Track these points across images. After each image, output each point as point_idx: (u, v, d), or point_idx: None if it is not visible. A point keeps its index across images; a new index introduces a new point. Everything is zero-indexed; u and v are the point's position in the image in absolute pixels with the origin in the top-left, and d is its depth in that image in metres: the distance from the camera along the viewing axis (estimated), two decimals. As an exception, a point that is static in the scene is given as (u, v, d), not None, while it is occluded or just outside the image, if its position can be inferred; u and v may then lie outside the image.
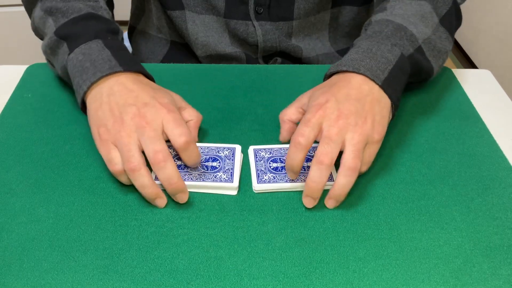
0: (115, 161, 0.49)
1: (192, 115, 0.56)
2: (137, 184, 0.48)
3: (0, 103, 0.63)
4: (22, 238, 0.46)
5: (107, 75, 0.53)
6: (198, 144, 0.55)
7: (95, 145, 0.56)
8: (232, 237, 0.47)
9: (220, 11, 0.74)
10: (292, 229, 0.48)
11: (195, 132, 0.56)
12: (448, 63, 2.01)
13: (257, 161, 0.54)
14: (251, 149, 0.55)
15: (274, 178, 0.52)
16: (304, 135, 0.48)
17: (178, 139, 0.49)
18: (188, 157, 0.50)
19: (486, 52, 1.88)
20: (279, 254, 0.45)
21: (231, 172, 0.52)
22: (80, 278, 0.43)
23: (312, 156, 0.50)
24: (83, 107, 0.56)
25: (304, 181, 0.51)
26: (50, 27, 0.60)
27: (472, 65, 1.97)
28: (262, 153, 0.55)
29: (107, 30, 0.59)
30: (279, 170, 0.53)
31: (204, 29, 0.75)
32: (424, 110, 0.63)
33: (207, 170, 0.52)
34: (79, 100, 0.55)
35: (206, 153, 0.54)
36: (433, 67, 0.61)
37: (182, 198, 0.49)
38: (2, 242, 0.46)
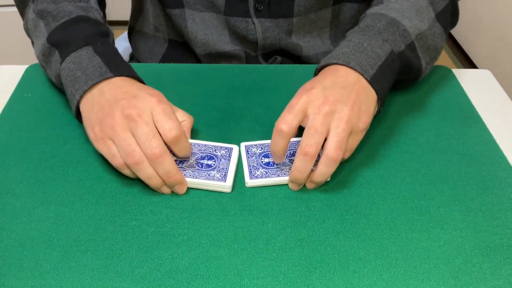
0: (117, 155, 0.49)
1: (184, 116, 0.56)
2: (142, 176, 0.49)
3: (0, 103, 0.63)
4: (22, 238, 0.46)
5: (98, 82, 0.53)
6: (196, 141, 0.55)
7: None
8: (232, 237, 0.47)
9: (220, 8, 0.74)
10: (292, 229, 0.48)
11: (188, 135, 0.56)
12: (448, 63, 2.01)
13: (248, 157, 0.54)
14: (242, 146, 0.55)
15: (267, 173, 0.52)
16: (287, 122, 0.49)
17: (169, 133, 0.49)
18: (179, 150, 0.51)
19: (486, 52, 1.88)
20: (279, 254, 0.45)
21: (225, 172, 0.52)
22: (80, 278, 0.43)
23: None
24: (78, 116, 0.56)
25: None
26: (42, 31, 0.60)
27: (472, 65, 1.97)
28: (254, 149, 0.55)
29: (97, 34, 0.59)
30: (271, 165, 0.53)
31: (204, 27, 0.75)
32: (424, 110, 0.63)
33: (201, 167, 0.52)
34: (73, 109, 0.55)
35: (202, 151, 0.54)
36: (421, 64, 0.61)
37: (181, 189, 0.50)
38: (2, 242, 0.46)
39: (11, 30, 1.85)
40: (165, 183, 0.50)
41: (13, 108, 0.62)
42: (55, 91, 0.65)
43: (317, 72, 0.58)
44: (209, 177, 0.51)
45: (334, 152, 0.48)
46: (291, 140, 0.53)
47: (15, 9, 1.83)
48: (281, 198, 0.51)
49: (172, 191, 0.51)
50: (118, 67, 0.55)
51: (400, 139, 0.58)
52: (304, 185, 0.52)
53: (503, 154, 0.57)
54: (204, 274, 0.44)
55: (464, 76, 0.71)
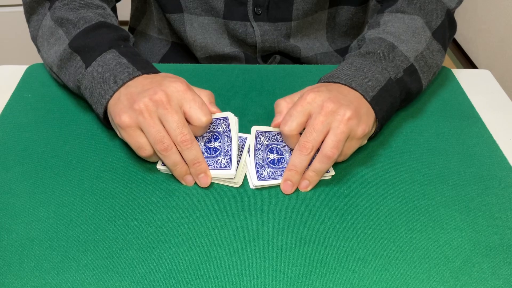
0: (144, 147, 0.50)
1: (206, 95, 0.56)
2: (168, 162, 0.50)
3: (0, 103, 0.63)
4: (22, 238, 0.46)
5: (127, 81, 0.54)
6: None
7: (94, 145, 0.56)
8: (232, 237, 0.47)
9: (220, 12, 0.74)
10: (292, 229, 0.48)
11: (216, 109, 0.55)
12: (448, 63, 2.01)
13: (256, 149, 0.54)
14: (253, 131, 0.55)
15: (273, 174, 0.52)
16: (287, 124, 0.51)
17: (204, 118, 0.50)
18: (201, 132, 0.52)
19: (486, 52, 1.88)
20: (279, 254, 0.45)
21: (230, 155, 0.52)
22: (80, 278, 0.43)
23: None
24: (104, 118, 0.55)
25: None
26: (61, 38, 0.60)
27: (472, 65, 1.97)
28: (262, 139, 0.55)
29: (118, 38, 0.59)
30: (276, 163, 0.53)
31: (202, 31, 0.76)
32: (424, 110, 0.63)
33: (210, 154, 0.53)
34: (100, 110, 0.54)
35: (209, 130, 0.54)
36: (422, 86, 0.62)
37: (205, 180, 0.51)
38: (2, 242, 0.46)
39: (11, 30, 1.85)
40: (190, 170, 0.51)
41: (13, 108, 0.62)
42: (55, 91, 0.65)
43: None
44: (216, 165, 0.52)
45: (330, 150, 0.49)
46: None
47: (15, 9, 1.83)
48: (281, 198, 0.51)
49: (195, 183, 0.52)
50: (144, 66, 0.56)
51: (400, 139, 0.58)
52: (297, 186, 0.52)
53: (503, 154, 0.57)
54: (204, 274, 0.44)
55: (464, 76, 0.71)
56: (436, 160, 0.56)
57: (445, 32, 0.65)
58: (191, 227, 0.48)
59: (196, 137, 0.53)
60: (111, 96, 0.53)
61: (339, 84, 0.55)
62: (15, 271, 0.43)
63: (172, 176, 0.53)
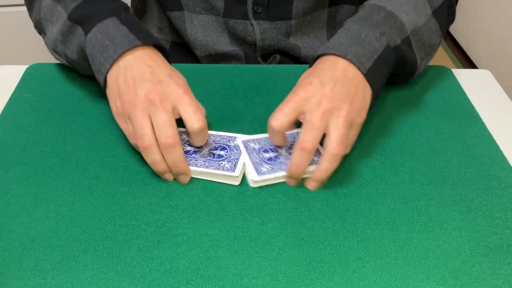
0: (133, 136, 0.51)
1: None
2: (148, 160, 0.51)
3: (0, 103, 0.63)
4: (22, 238, 0.46)
5: (127, 50, 0.54)
6: (210, 132, 0.56)
7: (94, 145, 0.56)
8: (232, 237, 0.47)
9: (219, 10, 0.74)
10: (292, 229, 0.48)
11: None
12: (448, 63, 2.00)
13: (249, 153, 0.54)
14: (239, 141, 0.55)
15: (272, 169, 0.52)
16: (278, 120, 0.50)
17: (196, 124, 0.50)
18: (197, 141, 0.52)
19: (486, 52, 1.88)
20: (279, 254, 0.45)
21: (235, 163, 0.52)
22: (80, 278, 0.43)
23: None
24: (105, 86, 0.56)
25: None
26: (61, 14, 0.60)
27: (472, 65, 1.97)
28: (252, 145, 0.55)
29: (119, 7, 0.59)
30: (273, 160, 0.53)
31: (203, 29, 0.76)
32: (424, 110, 0.63)
33: (213, 158, 0.53)
34: (101, 79, 0.55)
35: (217, 142, 0.55)
36: (417, 59, 0.61)
37: (185, 180, 0.52)
38: (2, 242, 0.46)
39: (11, 30, 1.85)
40: (171, 171, 0.51)
41: (13, 108, 0.62)
42: (55, 91, 0.65)
43: (313, 61, 0.58)
44: (219, 167, 0.52)
45: (337, 148, 0.49)
46: (293, 131, 0.55)
47: (15, 9, 1.83)
48: (281, 198, 0.51)
49: (174, 179, 0.52)
50: (145, 36, 0.56)
51: (400, 139, 0.58)
52: (305, 185, 0.52)
53: (503, 154, 0.57)
54: (204, 274, 0.44)
55: (464, 76, 0.71)
56: (436, 160, 0.56)
57: (444, 15, 0.64)
58: (191, 227, 0.48)
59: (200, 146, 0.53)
60: (110, 66, 0.54)
61: (333, 57, 0.54)
62: (15, 271, 0.43)
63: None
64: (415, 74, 0.64)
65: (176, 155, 0.49)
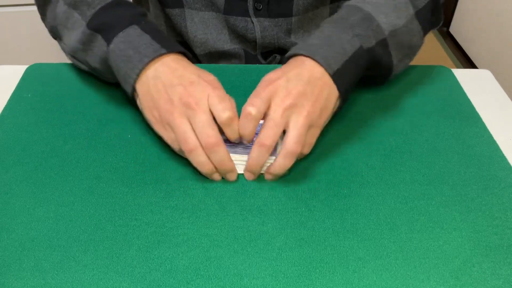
0: (175, 142, 0.52)
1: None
2: (194, 163, 0.51)
3: (0, 103, 0.63)
4: (22, 238, 0.46)
5: (153, 59, 0.54)
6: None
7: (94, 145, 0.56)
8: (232, 237, 0.47)
9: (220, 7, 0.74)
10: (292, 229, 0.48)
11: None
12: (448, 63, 2.00)
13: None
14: None
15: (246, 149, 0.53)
16: (256, 106, 0.50)
17: (222, 114, 0.50)
18: (231, 133, 0.52)
19: (486, 52, 1.88)
20: (279, 254, 0.45)
21: (275, 147, 0.53)
22: (80, 278, 0.43)
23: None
24: (133, 96, 0.56)
25: (246, 153, 0.53)
26: (78, 21, 0.59)
27: (472, 65, 1.97)
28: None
29: (137, 14, 0.59)
30: (228, 142, 0.54)
31: (203, 27, 0.76)
32: (424, 110, 0.63)
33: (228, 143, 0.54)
34: (129, 90, 0.55)
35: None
36: (392, 62, 0.61)
37: (232, 177, 0.52)
38: (2, 242, 0.46)
39: (11, 30, 1.85)
40: (217, 170, 0.51)
41: (13, 108, 0.62)
42: (55, 91, 0.65)
43: (286, 60, 0.58)
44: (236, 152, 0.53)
45: (293, 145, 0.50)
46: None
47: (15, 9, 1.83)
48: (281, 198, 0.51)
49: (222, 178, 0.53)
50: (169, 43, 0.56)
51: (400, 139, 0.58)
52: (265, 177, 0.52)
53: (503, 154, 0.57)
54: (204, 274, 0.44)
55: (464, 76, 0.71)
56: (436, 160, 0.56)
57: (427, 16, 0.64)
58: (191, 227, 0.48)
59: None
60: (137, 75, 0.54)
61: (302, 57, 0.55)
62: (15, 271, 0.43)
63: (172, 176, 0.53)
64: (391, 76, 0.64)
65: (220, 154, 0.50)
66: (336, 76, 0.54)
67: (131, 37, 0.55)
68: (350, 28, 0.57)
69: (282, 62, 0.79)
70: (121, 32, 0.56)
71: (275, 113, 0.50)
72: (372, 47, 0.57)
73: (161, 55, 0.54)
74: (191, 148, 0.50)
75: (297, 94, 0.51)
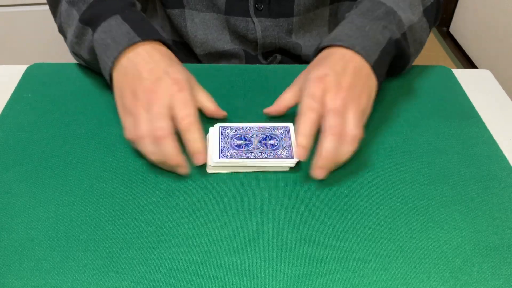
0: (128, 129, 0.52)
1: (207, 101, 0.57)
2: (142, 151, 0.52)
3: (0, 103, 0.63)
4: (22, 238, 0.46)
5: (126, 47, 0.55)
6: (254, 124, 0.56)
7: (94, 145, 0.56)
8: (232, 237, 0.47)
9: (221, 8, 0.74)
10: (292, 229, 0.48)
11: (218, 113, 0.58)
12: (448, 63, 2.00)
13: (221, 138, 0.54)
14: (217, 127, 0.55)
15: (236, 155, 0.52)
16: (314, 110, 0.50)
17: (181, 121, 0.50)
18: (189, 140, 0.51)
19: (486, 52, 1.88)
20: (279, 254, 0.45)
21: (290, 148, 0.53)
22: (80, 278, 0.43)
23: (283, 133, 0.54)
24: (112, 84, 0.57)
25: (264, 157, 0.52)
26: (75, 18, 0.61)
27: (472, 65, 1.97)
28: (228, 131, 0.55)
29: (124, 5, 0.60)
30: (241, 147, 0.53)
31: (203, 27, 0.76)
32: (424, 110, 0.63)
33: (267, 148, 0.53)
34: (107, 77, 0.57)
35: (262, 132, 0.55)
36: (410, 54, 0.63)
37: (182, 170, 0.52)
38: (2, 242, 0.46)
39: (11, 30, 1.85)
40: (165, 164, 0.52)
41: (13, 108, 0.62)
42: (55, 91, 0.65)
43: (318, 51, 0.58)
44: (277, 156, 0.52)
45: (356, 130, 0.50)
46: (266, 125, 0.56)
47: (15, 9, 1.83)
48: (281, 198, 0.51)
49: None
50: (146, 31, 0.57)
51: (400, 139, 0.58)
52: (312, 175, 0.51)
53: (503, 154, 0.57)
54: (204, 274, 0.44)
55: (464, 76, 0.71)
56: (436, 160, 0.56)
57: (432, 14, 0.66)
58: (191, 227, 0.48)
59: (251, 138, 0.54)
60: (112, 63, 0.55)
61: (341, 49, 0.55)
62: (15, 271, 0.43)
63: (172, 176, 0.53)
64: (405, 69, 0.66)
65: (165, 148, 0.50)
66: (375, 67, 0.55)
67: (112, 27, 0.57)
68: (378, 20, 0.58)
69: (283, 61, 0.79)
70: (103, 22, 0.57)
71: (336, 104, 0.50)
72: (398, 38, 0.59)
73: (134, 43, 0.55)
74: (137, 137, 0.51)
75: (348, 86, 0.52)
